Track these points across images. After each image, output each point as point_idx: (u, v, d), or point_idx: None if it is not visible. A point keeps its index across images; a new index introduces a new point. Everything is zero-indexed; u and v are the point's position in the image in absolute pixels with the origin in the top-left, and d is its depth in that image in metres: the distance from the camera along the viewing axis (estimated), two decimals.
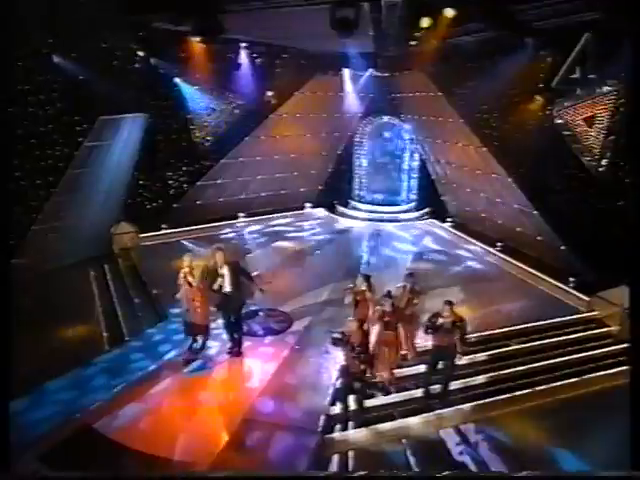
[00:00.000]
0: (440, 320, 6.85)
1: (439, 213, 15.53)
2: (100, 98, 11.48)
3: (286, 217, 15.86)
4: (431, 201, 15.91)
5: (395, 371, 7.40)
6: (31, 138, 11.39)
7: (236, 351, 7.95)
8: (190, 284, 7.69)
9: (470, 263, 12.42)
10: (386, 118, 16.16)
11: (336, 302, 9.67)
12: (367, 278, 7.68)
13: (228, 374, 7.64)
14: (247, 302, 8.14)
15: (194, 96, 14.34)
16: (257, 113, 14.82)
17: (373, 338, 7.03)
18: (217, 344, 8.21)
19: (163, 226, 14.10)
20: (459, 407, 7.14)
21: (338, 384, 7.08)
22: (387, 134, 16.51)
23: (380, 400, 7.19)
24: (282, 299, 9.94)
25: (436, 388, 7.31)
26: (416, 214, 16.07)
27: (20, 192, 11.07)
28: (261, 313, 9.39)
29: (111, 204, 13.17)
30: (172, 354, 8.00)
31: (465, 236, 13.94)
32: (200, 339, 8.03)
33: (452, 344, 6.90)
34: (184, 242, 13.47)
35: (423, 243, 13.95)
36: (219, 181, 14.84)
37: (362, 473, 5.49)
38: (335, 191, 16.62)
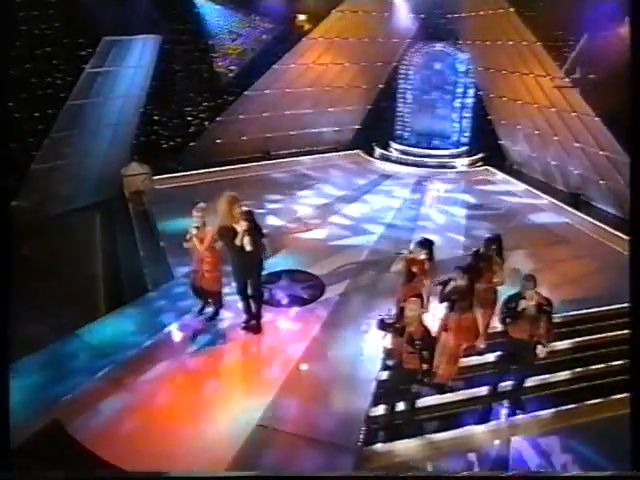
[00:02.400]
0: (522, 304, 5.05)
1: (496, 160, 13.36)
2: (106, 16, 9.81)
3: (317, 160, 13.93)
4: (487, 145, 13.69)
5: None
6: (27, 63, 9.78)
7: (253, 325, 6.37)
8: (201, 241, 6.13)
9: (537, 222, 10.36)
10: (439, 45, 13.74)
11: (375, 264, 8.01)
12: (428, 245, 5.85)
13: (240, 357, 6.09)
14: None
15: (216, 18, 12.64)
16: (288, 38, 12.69)
17: (438, 323, 5.37)
18: (230, 315, 6.63)
19: (180, 168, 12.51)
20: (537, 413, 5.48)
21: (384, 376, 5.51)
22: (438, 65, 14.07)
23: (436, 400, 5.57)
24: (311, 258, 8.26)
25: (507, 386, 5.63)
26: (469, 160, 13.86)
27: (16, 126, 9.60)
28: (285, 276, 7.75)
29: (120, 141, 11.63)
30: (173, 327, 6.50)
31: (530, 188, 11.78)
32: (212, 307, 6.54)
33: (535, 335, 5.15)
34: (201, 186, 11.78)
35: (476, 196, 11.88)
36: (241, 117, 12.92)
37: (362, 473, 4.53)
38: (374, 131, 14.49)
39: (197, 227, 6.17)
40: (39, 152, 9.68)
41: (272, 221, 9.92)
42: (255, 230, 5.97)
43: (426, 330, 4.75)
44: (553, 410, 5.51)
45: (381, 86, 14.42)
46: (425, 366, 4.71)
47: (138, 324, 6.50)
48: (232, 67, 13.44)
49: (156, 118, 12.86)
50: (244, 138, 13.31)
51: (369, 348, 6.08)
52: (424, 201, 11.77)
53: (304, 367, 5.86)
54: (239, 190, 11.46)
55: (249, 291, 6.21)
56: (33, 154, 9.63)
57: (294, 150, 14.04)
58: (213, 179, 12.15)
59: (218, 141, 12.95)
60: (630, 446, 3.00)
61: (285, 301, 7.18)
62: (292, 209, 10.70)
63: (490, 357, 5.95)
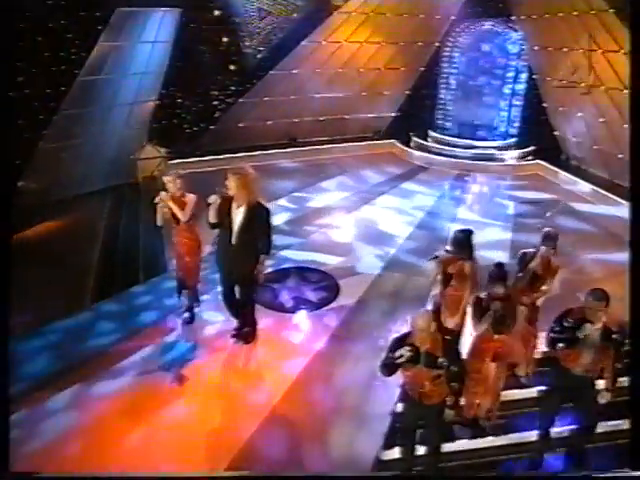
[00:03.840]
0: (587, 329, 3.67)
1: (550, 153, 11.77)
2: None
3: (347, 149, 12.68)
4: (539, 137, 12.10)
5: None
6: (37, 35, 9.01)
7: (245, 334, 5.21)
8: (175, 217, 5.07)
9: (598, 223, 8.82)
10: (488, 24, 12.24)
11: (402, 266, 6.77)
12: (466, 237, 4.53)
13: (220, 375, 4.86)
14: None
15: None
16: (320, 17, 11.53)
17: (470, 343, 4.09)
18: (222, 319, 5.50)
19: (197, 152, 11.60)
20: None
21: (399, 409, 4.27)
22: (486, 46, 12.54)
23: (468, 444, 4.28)
24: (328, 255, 7.11)
25: (561, 432, 4.27)
26: (517, 153, 12.28)
27: (24, 102, 8.88)
28: (295, 274, 6.59)
29: (136, 122, 10.85)
30: (149, 329, 5.40)
31: (592, 186, 10.18)
32: (186, 301, 5.49)
33: (596, 370, 3.80)
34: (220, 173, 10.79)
35: (525, 193, 10.39)
36: (266, 99, 11.85)
37: (362, 473, 3.87)
38: (412, 119, 13.13)
39: (167, 196, 5.07)
40: (48, 130, 8.96)
41: (291, 211, 8.94)
42: (261, 226, 4.76)
43: (444, 341, 3.57)
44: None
45: (421, 69, 13.02)
46: (454, 385, 3.55)
47: (113, 322, 5.48)
48: (261, 48, 12.45)
49: (179, 101, 12.01)
50: (269, 122, 12.24)
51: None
52: (464, 197, 10.39)
53: (300, 391, 4.63)
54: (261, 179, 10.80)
55: (237, 295, 5.05)
56: (43, 133, 8.91)
57: (322, 137, 12.82)
58: (233, 165, 11.19)
59: (240, 124, 11.95)
60: (630, 446, 2.77)
61: (290, 304, 6.00)
62: (314, 200, 9.60)
63: (534, 391, 4.59)
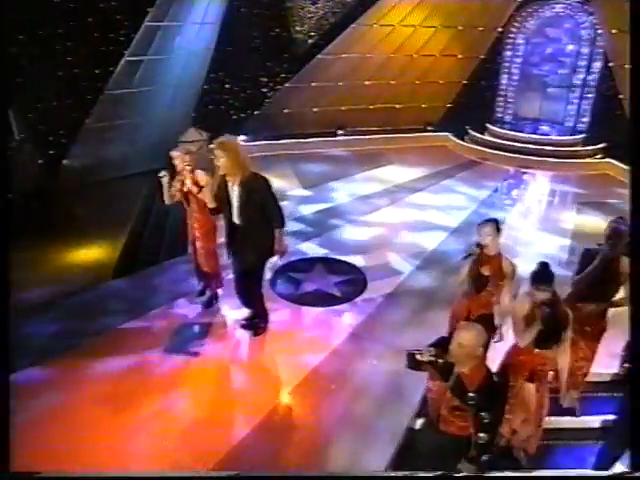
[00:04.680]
0: None
1: (623, 152, 10.56)
2: None
3: (396, 140, 11.97)
4: (611, 133, 10.86)
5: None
6: (88, 16, 9.06)
7: (255, 325, 4.78)
8: (187, 198, 4.69)
9: None
10: (558, 6, 11.18)
11: (441, 263, 6.11)
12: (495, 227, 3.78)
13: (218, 368, 4.39)
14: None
15: None
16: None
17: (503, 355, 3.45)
18: (235, 307, 5.00)
19: (242, 137, 11.35)
20: None
21: (418, 425, 3.64)
22: (553, 32, 11.47)
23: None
24: (362, 247, 6.55)
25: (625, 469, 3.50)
26: (585, 151, 11.14)
27: (73, 82, 8.97)
28: (320, 265, 6.08)
29: (181, 104, 10.73)
30: (157, 311, 5.09)
31: None
32: (207, 291, 5.11)
33: None
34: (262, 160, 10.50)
35: (591, 194, 9.34)
36: (313, 84, 11.40)
37: (363, 473, 3.54)
38: (469, 111, 12.16)
39: (182, 177, 4.68)
40: (94, 109, 9.01)
41: (330, 201, 8.52)
42: (267, 204, 4.27)
43: (489, 376, 2.84)
44: None
45: (481, 57, 12.08)
46: (483, 436, 2.79)
47: (122, 302, 5.22)
48: (312, 33, 12.04)
49: (227, 87, 11.82)
50: (315, 109, 11.79)
51: (408, 379, 4.11)
52: (518, 197, 9.48)
53: (305, 393, 4.12)
54: (304, 167, 10.41)
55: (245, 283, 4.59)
56: (90, 113, 8.99)
57: (371, 127, 12.19)
58: (276, 152, 10.92)
59: (286, 111, 11.59)
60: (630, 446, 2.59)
61: (310, 297, 5.49)
62: (356, 191, 9.06)
63: (594, 422, 3.82)
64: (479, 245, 3.71)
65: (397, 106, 12.32)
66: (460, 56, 11.98)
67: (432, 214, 8.03)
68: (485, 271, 3.69)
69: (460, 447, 2.91)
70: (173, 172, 4.86)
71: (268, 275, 5.64)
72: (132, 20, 9.29)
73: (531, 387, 3.36)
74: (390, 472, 3.46)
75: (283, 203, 8.02)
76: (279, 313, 5.01)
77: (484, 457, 2.75)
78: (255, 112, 11.51)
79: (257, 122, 11.32)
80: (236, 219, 4.24)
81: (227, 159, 4.04)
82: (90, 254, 6.47)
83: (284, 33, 11.86)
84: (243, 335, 4.73)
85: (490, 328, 3.55)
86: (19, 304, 4.52)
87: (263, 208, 4.22)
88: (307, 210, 7.94)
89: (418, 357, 2.79)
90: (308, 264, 6.09)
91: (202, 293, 5.23)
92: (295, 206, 8.03)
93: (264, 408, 3.86)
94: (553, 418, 3.85)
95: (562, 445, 3.81)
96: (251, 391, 4.08)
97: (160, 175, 4.73)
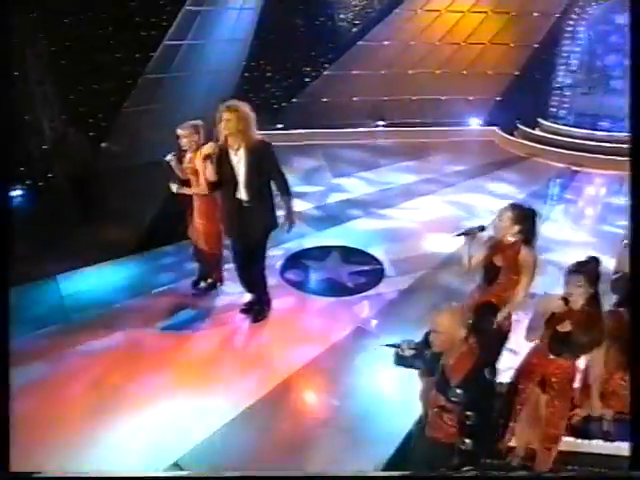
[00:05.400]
0: None
1: None
2: None
3: (440, 134, 11.44)
4: None
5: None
6: (131, 1, 9.21)
7: (256, 311, 4.52)
8: (196, 173, 4.42)
9: None
10: None
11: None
12: (525, 215, 3.24)
13: (213, 350, 4.18)
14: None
15: None
16: None
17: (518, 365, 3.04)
18: (237, 290, 4.78)
19: (279, 125, 11.20)
20: None
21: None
22: (619, 18, 10.52)
23: None
24: (387, 240, 6.19)
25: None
26: None
27: (115, 66, 9.14)
28: (337, 254, 5.76)
29: (219, 91, 10.67)
30: (160, 289, 4.97)
31: None
32: (208, 280, 4.91)
33: None
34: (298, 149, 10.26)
35: None
36: (354, 72, 11.07)
37: (363, 473, 3.05)
38: (520, 105, 11.41)
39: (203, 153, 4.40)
40: (132, 93, 9.10)
41: (362, 190, 8.25)
42: (272, 173, 4.01)
43: (478, 369, 2.40)
44: None
45: (536, 46, 11.33)
46: (468, 442, 2.38)
47: (129, 279, 5.14)
48: (356, 21, 11.75)
49: (269, 75, 11.71)
50: (355, 99, 11.46)
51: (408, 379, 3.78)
52: (571, 196, 8.76)
53: (297, 387, 3.79)
54: (340, 156, 10.12)
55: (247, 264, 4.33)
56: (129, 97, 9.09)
57: (414, 120, 11.70)
58: (312, 141, 10.74)
59: (324, 99, 11.32)
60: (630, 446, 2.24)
61: (320, 286, 5.18)
62: (390, 181, 8.71)
63: (623, 445, 3.27)
64: (482, 228, 3.28)
65: (442, 98, 11.77)
66: (512, 45, 11.31)
67: (464, 211, 7.51)
68: (497, 261, 3.23)
69: (451, 457, 2.50)
70: (180, 153, 4.66)
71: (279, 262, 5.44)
72: (173, 4, 9.35)
73: (539, 392, 2.90)
74: (386, 472, 3.13)
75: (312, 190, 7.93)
76: (283, 300, 4.73)
77: (466, 469, 2.34)
78: (292, 100, 11.32)
79: (293, 111, 11.10)
80: (242, 193, 3.96)
81: (235, 120, 3.75)
82: (112, 234, 6.44)
83: (328, 22, 11.66)
84: (242, 320, 4.47)
85: (488, 317, 3.14)
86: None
87: (269, 178, 3.99)
88: (331, 199, 7.66)
89: (399, 352, 2.44)
90: (324, 252, 5.78)
91: (197, 283, 5.02)
92: (321, 195, 7.76)
93: (250, 398, 3.59)
94: (580, 441, 3.36)
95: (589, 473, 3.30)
96: (239, 379, 3.80)
97: (167, 159, 4.52)
